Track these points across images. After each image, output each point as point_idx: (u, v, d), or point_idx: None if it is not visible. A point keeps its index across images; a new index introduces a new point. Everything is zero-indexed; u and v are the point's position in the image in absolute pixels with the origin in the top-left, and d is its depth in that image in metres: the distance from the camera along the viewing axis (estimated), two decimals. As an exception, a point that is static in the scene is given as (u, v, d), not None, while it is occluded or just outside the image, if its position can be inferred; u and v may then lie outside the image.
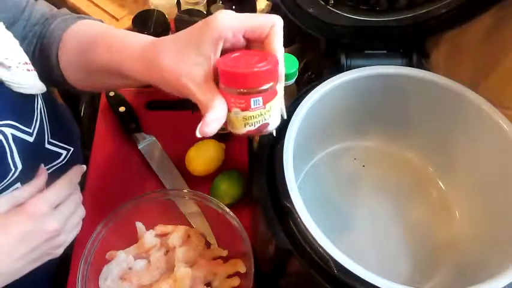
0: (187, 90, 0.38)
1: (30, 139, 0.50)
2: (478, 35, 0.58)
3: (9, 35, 0.46)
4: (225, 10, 0.38)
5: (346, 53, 0.59)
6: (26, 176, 0.49)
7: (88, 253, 0.54)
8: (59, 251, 0.49)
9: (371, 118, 0.61)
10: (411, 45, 0.60)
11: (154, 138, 0.72)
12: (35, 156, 0.51)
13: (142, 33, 0.69)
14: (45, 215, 0.45)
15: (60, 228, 0.46)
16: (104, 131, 0.74)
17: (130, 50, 0.43)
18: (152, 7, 0.78)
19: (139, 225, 0.61)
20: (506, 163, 0.51)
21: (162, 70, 0.39)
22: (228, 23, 0.37)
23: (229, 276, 0.58)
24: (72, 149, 0.61)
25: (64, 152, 0.59)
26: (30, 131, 0.50)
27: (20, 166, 0.48)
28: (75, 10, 0.92)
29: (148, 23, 0.70)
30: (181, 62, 0.38)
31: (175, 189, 0.65)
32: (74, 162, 0.59)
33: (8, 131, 0.46)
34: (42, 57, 0.52)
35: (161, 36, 0.70)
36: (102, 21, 0.55)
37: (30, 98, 0.49)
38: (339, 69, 0.58)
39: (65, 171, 0.56)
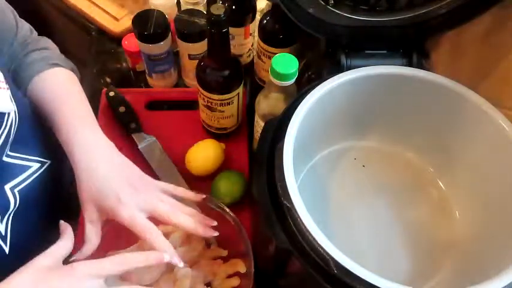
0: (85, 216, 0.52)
1: None
2: (478, 35, 0.58)
3: None
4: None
5: (346, 53, 0.59)
6: None
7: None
8: None
9: (371, 118, 0.61)
10: (411, 45, 0.60)
11: (154, 138, 0.72)
12: None
13: (143, 33, 0.70)
14: (89, 278, 0.44)
15: None
16: (104, 131, 0.73)
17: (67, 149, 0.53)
18: (152, 7, 0.78)
19: (140, 225, 0.61)
20: (506, 163, 0.51)
21: (79, 188, 0.52)
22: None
23: (229, 276, 0.58)
24: (48, 162, 0.59)
25: (35, 165, 0.56)
26: None
27: None
28: (75, 11, 0.93)
29: (148, 23, 0.70)
30: (89, 200, 0.51)
31: (175, 189, 0.65)
32: (47, 177, 0.59)
33: None
34: (15, 83, 0.55)
35: (161, 36, 0.71)
36: (73, 68, 0.61)
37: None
38: (339, 69, 0.58)
39: (40, 188, 0.57)
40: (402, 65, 0.58)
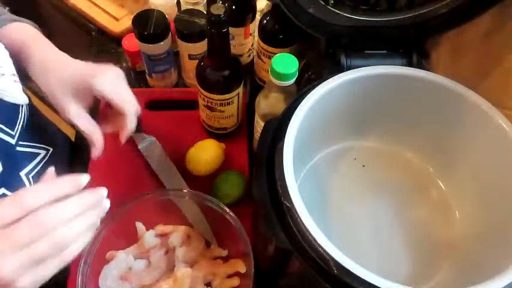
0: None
1: (12, 141, 0.51)
2: (478, 35, 0.58)
3: (0, 46, 0.48)
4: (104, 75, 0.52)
5: (346, 53, 0.59)
6: (7, 180, 0.50)
7: (88, 253, 0.54)
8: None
9: (371, 118, 0.61)
10: (411, 45, 0.60)
11: (154, 138, 0.72)
12: (11, 158, 0.52)
13: (143, 33, 0.70)
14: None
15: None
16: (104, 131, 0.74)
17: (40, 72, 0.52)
18: (152, 7, 0.78)
19: (139, 225, 0.61)
20: (506, 163, 0.51)
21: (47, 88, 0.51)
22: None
23: (229, 276, 0.58)
24: (51, 149, 0.62)
25: (42, 152, 0.59)
26: (14, 133, 0.51)
27: (0, 168, 0.48)
28: (75, 11, 0.93)
29: (148, 23, 0.70)
30: (61, 91, 0.50)
31: (175, 189, 0.66)
32: (57, 162, 0.62)
33: None
34: None
35: (161, 36, 0.71)
36: (34, 25, 0.60)
37: (16, 104, 0.51)
38: (339, 69, 0.58)
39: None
40: (402, 65, 0.58)
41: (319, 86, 0.53)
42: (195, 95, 0.70)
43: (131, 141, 0.71)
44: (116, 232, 0.58)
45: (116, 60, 0.86)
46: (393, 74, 0.55)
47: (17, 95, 0.49)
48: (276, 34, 0.69)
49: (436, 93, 0.55)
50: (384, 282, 0.39)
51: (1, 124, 0.49)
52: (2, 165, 0.49)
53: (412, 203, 0.60)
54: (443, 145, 0.59)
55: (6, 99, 0.48)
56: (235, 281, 0.57)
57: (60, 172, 0.66)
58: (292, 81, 0.56)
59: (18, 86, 0.49)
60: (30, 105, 0.57)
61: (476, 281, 0.40)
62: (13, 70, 0.49)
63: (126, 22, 0.88)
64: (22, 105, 0.52)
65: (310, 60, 0.70)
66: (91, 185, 0.67)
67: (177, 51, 0.77)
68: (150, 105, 0.78)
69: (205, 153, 0.67)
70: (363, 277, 0.39)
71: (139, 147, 0.71)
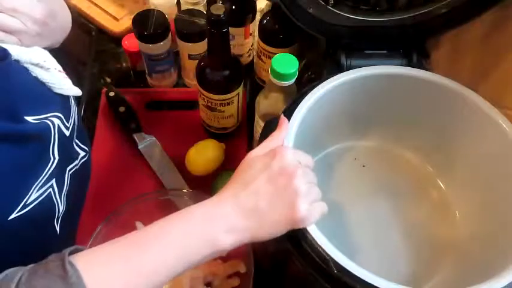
0: None
1: (67, 133, 0.52)
2: (478, 35, 0.58)
3: (39, 48, 0.48)
4: None
5: (346, 53, 0.59)
6: (59, 172, 0.50)
7: (88, 253, 0.54)
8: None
9: (371, 118, 0.61)
10: (411, 45, 0.60)
11: (154, 138, 0.72)
12: (66, 151, 0.53)
13: (143, 33, 0.70)
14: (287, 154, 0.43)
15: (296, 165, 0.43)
16: (104, 131, 0.74)
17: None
18: (152, 7, 0.78)
19: (139, 225, 0.61)
20: (506, 163, 0.51)
21: None
22: None
23: (229, 276, 0.58)
24: (89, 151, 0.63)
25: (82, 153, 0.60)
26: (68, 125, 0.52)
27: (57, 157, 0.50)
28: (75, 11, 0.92)
29: (148, 23, 0.70)
30: None
31: (175, 189, 0.65)
32: (87, 165, 0.62)
33: (56, 122, 0.49)
34: None
35: (161, 36, 0.71)
36: None
37: (68, 98, 0.52)
38: (339, 69, 0.58)
39: (81, 174, 0.58)
40: (402, 65, 0.58)
41: (319, 86, 0.53)
42: (195, 95, 0.70)
43: (131, 141, 0.71)
44: (116, 232, 0.57)
45: (116, 60, 0.86)
46: (393, 74, 0.55)
47: (68, 87, 0.51)
48: (276, 34, 0.69)
49: (436, 93, 0.55)
50: (384, 282, 0.39)
51: (60, 113, 0.50)
52: (59, 155, 0.50)
53: (412, 203, 0.60)
54: (443, 145, 0.59)
55: (59, 91, 0.49)
56: (235, 281, 0.57)
57: (89, 171, 0.66)
58: (292, 81, 0.56)
59: (68, 81, 0.51)
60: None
61: (476, 280, 0.40)
62: (59, 66, 0.50)
63: (126, 22, 0.88)
64: (72, 102, 0.53)
65: (310, 60, 0.70)
66: (91, 183, 0.67)
67: (177, 51, 0.77)
68: (150, 105, 0.78)
69: (205, 153, 0.67)
70: (362, 277, 0.39)
71: (139, 147, 0.71)
